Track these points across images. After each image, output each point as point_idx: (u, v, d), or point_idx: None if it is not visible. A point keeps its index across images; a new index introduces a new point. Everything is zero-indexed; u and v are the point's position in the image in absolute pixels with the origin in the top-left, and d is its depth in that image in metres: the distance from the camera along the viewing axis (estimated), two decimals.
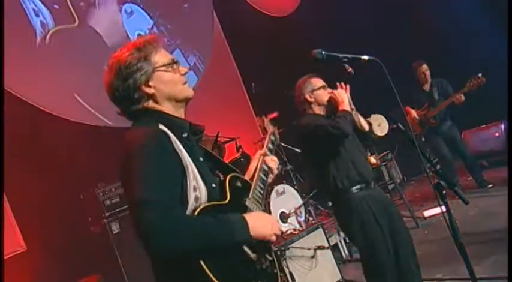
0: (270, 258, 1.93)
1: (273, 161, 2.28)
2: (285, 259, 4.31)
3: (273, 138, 2.49)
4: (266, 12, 9.12)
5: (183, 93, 1.93)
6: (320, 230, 4.78)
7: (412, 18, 8.14)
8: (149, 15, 7.66)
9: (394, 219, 3.31)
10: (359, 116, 3.44)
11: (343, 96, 3.36)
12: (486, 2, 7.13)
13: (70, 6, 6.30)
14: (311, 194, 5.95)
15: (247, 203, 1.97)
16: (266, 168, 2.22)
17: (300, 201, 5.71)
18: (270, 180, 2.26)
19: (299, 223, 5.38)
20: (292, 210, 5.50)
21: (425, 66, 6.65)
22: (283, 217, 5.56)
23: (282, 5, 9.63)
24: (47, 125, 5.70)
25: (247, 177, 2.19)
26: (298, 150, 5.88)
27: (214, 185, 1.86)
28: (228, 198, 1.87)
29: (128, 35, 7.19)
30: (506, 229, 4.46)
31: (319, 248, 4.59)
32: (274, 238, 1.88)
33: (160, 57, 1.90)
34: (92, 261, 5.33)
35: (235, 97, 8.81)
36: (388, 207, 3.35)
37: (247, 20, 8.45)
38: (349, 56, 2.08)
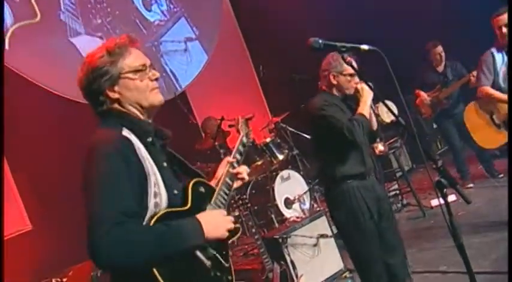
0: (226, 265, 1.96)
1: (243, 171, 2.28)
2: (286, 247, 4.26)
3: (245, 140, 2.46)
4: None
5: (148, 100, 1.90)
6: (323, 217, 4.71)
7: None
8: None
9: (383, 209, 3.30)
10: (373, 115, 3.34)
11: (368, 97, 3.22)
12: None
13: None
14: (317, 180, 5.86)
15: (208, 208, 1.98)
16: (230, 176, 2.22)
17: (305, 188, 5.64)
18: (236, 185, 2.27)
19: (302, 211, 5.33)
20: (296, 197, 5.43)
21: (440, 48, 6.43)
22: (288, 203, 5.51)
23: None
24: (54, 107, 5.68)
25: (214, 182, 2.19)
26: (306, 136, 5.80)
27: (176, 192, 1.87)
28: (189, 204, 1.87)
29: (132, 1, 7.06)
30: (508, 227, 4.38)
31: (322, 236, 4.53)
32: (226, 234, 1.90)
33: (131, 61, 1.88)
34: None
35: (245, 79, 8.73)
36: (379, 198, 3.32)
37: (258, 1, 8.31)
38: (348, 45, 1.97)
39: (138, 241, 1.65)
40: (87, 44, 6.32)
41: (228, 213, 2.02)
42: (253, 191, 5.95)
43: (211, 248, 1.88)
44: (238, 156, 2.32)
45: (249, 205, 4.05)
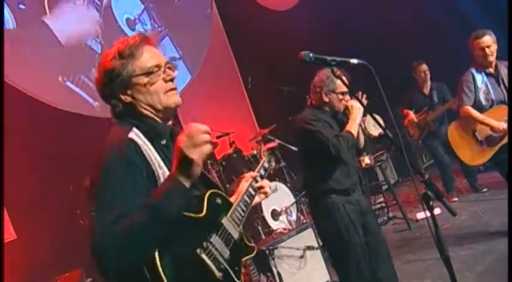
0: (237, 269, 1.87)
1: (267, 185, 2.21)
2: (273, 259, 4.27)
3: (266, 165, 2.40)
4: (268, 7, 9.05)
5: (162, 103, 1.81)
6: (310, 229, 4.72)
7: (412, 18, 8.08)
8: None
9: (368, 223, 3.35)
10: (361, 133, 3.39)
11: (357, 114, 3.26)
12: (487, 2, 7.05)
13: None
14: (304, 192, 5.88)
15: (224, 221, 1.88)
16: (253, 193, 2.15)
17: (292, 199, 5.66)
18: (259, 199, 2.20)
19: (289, 222, 5.34)
20: (283, 208, 5.44)
21: (424, 66, 6.62)
22: (275, 215, 5.50)
23: None
24: (39, 114, 5.64)
25: (235, 197, 2.11)
26: (293, 148, 5.82)
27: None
28: (204, 212, 1.79)
29: (115, 19, 7.06)
30: (499, 234, 4.44)
31: (308, 248, 4.54)
32: (208, 147, 1.63)
33: (143, 62, 1.80)
34: (80, 253, 5.28)
35: (232, 90, 8.75)
36: (364, 212, 3.36)
37: (247, 12, 8.37)
38: (338, 59, 2.00)
39: (132, 227, 1.53)
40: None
41: (241, 239, 1.95)
42: None
43: (224, 260, 1.78)
44: (262, 172, 2.29)
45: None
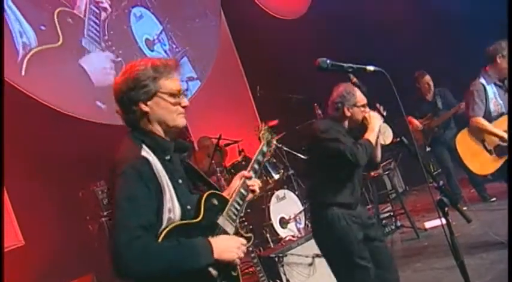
0: (235, 274, 2.04)
1: (256, 184, 2.29)
2: (282, 266, 4.27)
3: (265, 149, 2.45)
4: (276, 15, 9.09)
5: (173, 122, 2.01)
6: None
7: (420, 27, 8.10)
8: (159, 20, 7.60)
9: (370, 233, 3.28)
10: (379, 145, 3.36)
11: (376, 123, 3.24)
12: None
13: (57, 24, 6.19)
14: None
15: (220, 220, 2.05)
16: (246, 187, 2.23)
17: (300, 207, 5.67)
18: (248, 198, 2.28)
19: (298, 230, 5.34)
20: (292, 216, 5.45)
21: (428, 77, 6.63)
22: (283, 222, 5.52)
23: (293, 7, 9.60)
24: (48, 122, 5.67)
25: (227, 193, 2.24)
26: (301, 156, 5.83)
27: (189, 207, 1.97)
28: (201, 216, 1.97)
29: (135, 40, 7.15)
30: (507, 244, 4.42)
31: (317, 255, 4.53)
32: (238, 261, 2.01)
33: (170, 83, 2.00)
34: (89, 259, 5.31)
35: (240, 99, 8.79)
36: (365, 225, 3.29)
37: (255, 21, 8.42)
38: (355, 66, 2.03)
39: (154, 256, 1.78)
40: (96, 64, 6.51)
41: (237, 233, 2.10)
42: (249, 210, 5.95)
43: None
44: (256, 166, 2.33)
45: (246, 223, 4.06)
